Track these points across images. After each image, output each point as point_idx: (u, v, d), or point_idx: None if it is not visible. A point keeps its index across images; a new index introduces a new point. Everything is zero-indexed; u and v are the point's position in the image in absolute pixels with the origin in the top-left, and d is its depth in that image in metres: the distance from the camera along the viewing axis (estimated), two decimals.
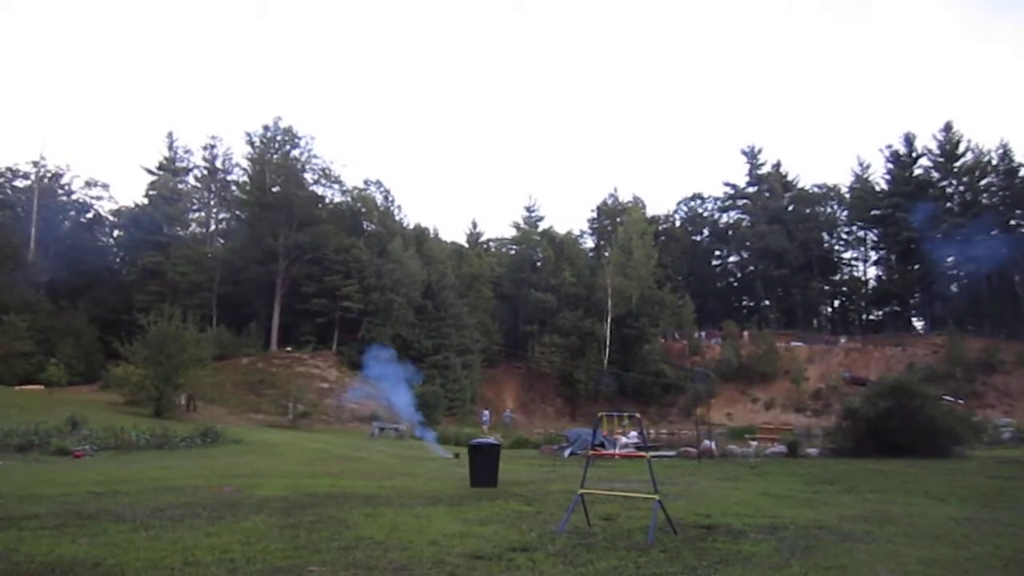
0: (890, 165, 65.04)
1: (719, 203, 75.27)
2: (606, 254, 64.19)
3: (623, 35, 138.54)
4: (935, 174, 62.21)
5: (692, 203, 77.06)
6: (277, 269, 49.47)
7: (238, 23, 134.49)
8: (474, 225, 73.65)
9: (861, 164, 68.66)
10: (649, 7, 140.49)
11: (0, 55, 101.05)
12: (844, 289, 70.97)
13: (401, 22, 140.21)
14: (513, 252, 67.64)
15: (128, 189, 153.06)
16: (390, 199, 60.80)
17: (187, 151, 58.86)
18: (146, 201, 54.48)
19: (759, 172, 71.08)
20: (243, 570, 5.00)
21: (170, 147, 57.75)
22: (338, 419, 38.17)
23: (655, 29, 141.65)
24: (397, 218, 60.69)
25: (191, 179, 60.35)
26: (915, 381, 22.98)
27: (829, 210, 71.46)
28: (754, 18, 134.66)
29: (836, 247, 71.36)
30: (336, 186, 56.53)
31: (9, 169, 53.70)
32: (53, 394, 29.66)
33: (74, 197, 57.45)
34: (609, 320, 54.66)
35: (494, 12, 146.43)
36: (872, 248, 69.68)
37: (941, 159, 61.53)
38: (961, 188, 60.47)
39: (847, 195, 69.36)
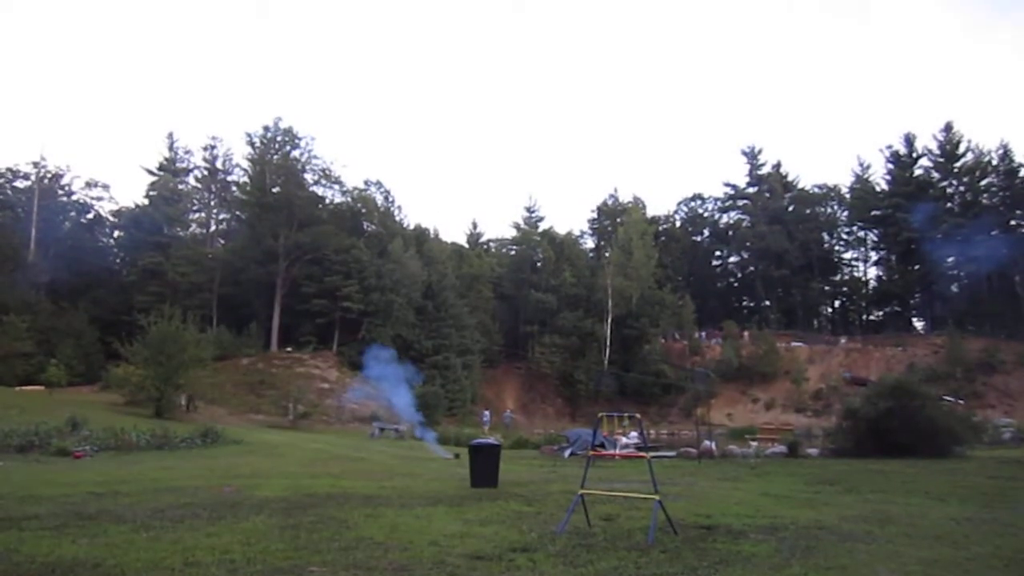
0: (890, 165, 65.08)
1: (719, 203, 75.32)
2: (606, 254, 64.18)
3: (623, 35, 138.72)
4: (935, 174, 62.22)
5: (692, 203, 77.12)
6: (277, 269, 49.48)
7: (238, 24, 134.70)
8: (474, 225, 73.74)
9: (861, 164, 68.81)
10: (649, 7, 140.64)
11: (0, 56, 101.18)
12: (844, 289, 70.97)
13: (401, 23, 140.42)
14: (513, 252, 67.65)
15: (128, 190, 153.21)
16: (390, 199, 60.89)
17: (187, 152, 59.01)
18: (146, 202, 54.53)
19: (759, 172, 71.09)
20: (243, 570, 5.00)
21: (170, 148, 57.84)
22: (338, 419, 38.19)
23: (655, 29, 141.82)
24: (397, 218, 60.70)
25: (191, 180, 60.48)
26: (915, 381, 22.97)
27: (829, 210, 71.45)
28: (754, 18, 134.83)
29: (836, 247, 71.37)
30: (336, 186, 56.65)
31: (9, 170, 53.87)
32: (53, 395, 29.67)
33: (74, 198, 57.54)
34: (609, 320, 54.66)
35: (494, 12, 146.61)
36: (872, 248, 69.73)
37: (941, 159, 61.54)
38: (961, 188, 60.47)
39: (847, 195, 69.37)
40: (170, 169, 56.97)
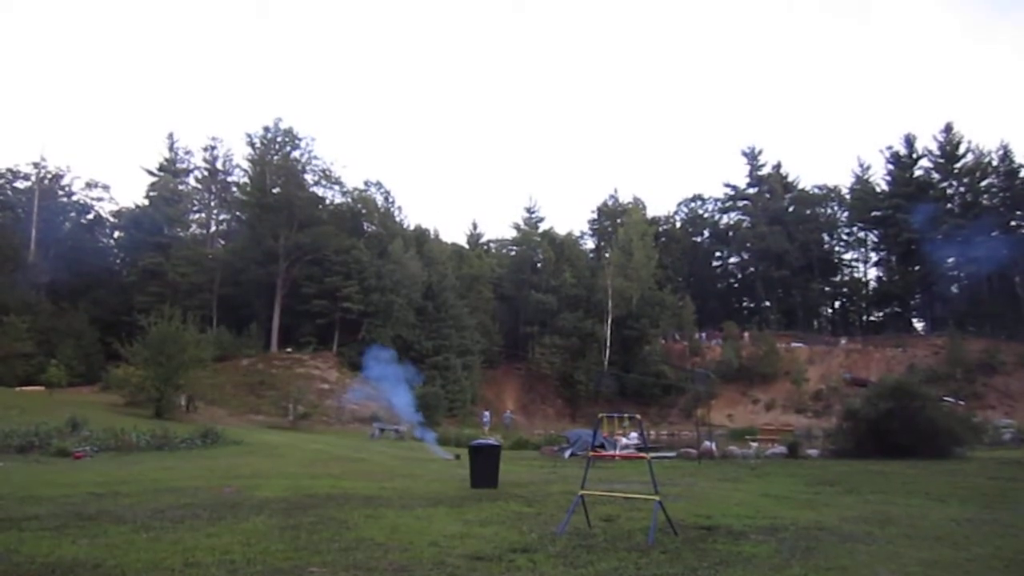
0: (890, 166, 65.10)
1: (719, 204, 75.29)
2: (606, 255, 64.17)
3: (623, 36, 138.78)
4: (935, 175, 62.22)
5: (692, 204, 77.09)
6: (277, 270, 49.49)
7: (238, 24, 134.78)
8: (474, 226, 73.72)
9: (861, 165, 68.83)
10: (649, 8, 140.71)
11: (1, 56, 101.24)
12: (844, 290, 70.95)
13: (401, 23, 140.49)
14: (513, 253, 67.65)
15: (129, 190, 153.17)
16: (390, 200, 60.87)
17: (188, 152, 59.01)
18: (146, 202, 54.55)
19: (759, 173, 71.08)
20: (243, 571, 5.00)
21: (171, 148, 57.85)
22: (338, 420, 38.19)
23: (655, 30, 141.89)
24: (397, 219, 60.69)
25: (192, 180, 60.49)
26: (916, 382, 22.95)
27: (829, 211, 71.45)
28: (754, 19, 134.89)
29: (836, 248, 71.36)
30: (336, 187, 56.62)
31: (10, 170, 53.91)
32: (53, 395, 29.67)
33: (75, 198, 57.54)
34: (609, 321, 54.66)
35: (494, 12, 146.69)
36: (872, 249, 69.73)
37: (941, 160, 61.55)
38: (962, 189, 60.46)
39: (847, 196, 69.36)
40: (170, 170, 56.98)
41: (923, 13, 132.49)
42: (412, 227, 62.42)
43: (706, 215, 76.89)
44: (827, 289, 69.24)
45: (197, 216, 62.12)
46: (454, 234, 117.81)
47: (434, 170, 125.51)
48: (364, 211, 57.32)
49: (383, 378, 29.55)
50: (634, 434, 21.12)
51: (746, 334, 58.04)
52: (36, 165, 53.23)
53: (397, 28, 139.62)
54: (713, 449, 20.34)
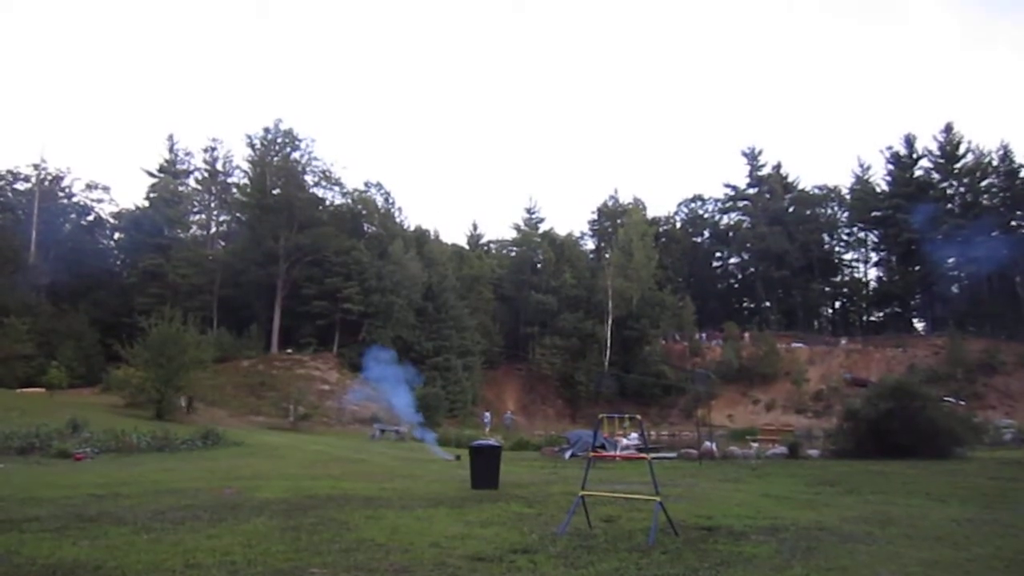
0: (891, 166, 65.12)
1: (719, 204, 75.30)
2: (607, 256, 64.19)
3: (623, 36, 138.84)
4: (936, 175, 62.24)
5: (692, 204, 77.09)
6: (278, 271, 49.50)
7: (238, 25, 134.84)
8: (475, 227, 73.78)
9: (862, 165, 68.88)
10: (649, 8, 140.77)
11: (1, 57, 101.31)
12: (845, 290, 70.95)
13: (401, 24, 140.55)
14: (514, 254, 67.66)
15: (129, 192, 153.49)
16: (391, 201, 60.89)
17: (188, 153, 59.15)
18: (147, 204, 54.61)
19: (759, 173, 71.06)
20: (244, 572, 5.00)
21: (171, 150, 57.98)
22: (339, 421, 38.20)
23: (655, 30, 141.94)
24: (398, 220, 60.71)
25: (192, 181, 60.56)
26: (916, 382, 22.95)
27: (830, 211, 71.43)
28: (754, 19, 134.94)
29: (837, 248, 71.35)
30: (336, 188, 56.64)
31: (10, 172, 53.93)
32: (54, 397, 29.68)
33: (75, 200, 57.57)
34: (610, 322, 54.66)
35: (494, 13, 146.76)
36: (873, 249, 69.74)
37: (942, 160, 61.56)
38: (962, 189, 60.49)
39: (848, 196, 69.37)
40: (170, 171, 57.05)
41: (923, 13, 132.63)
42: (412, 228, 62.52)
43: (706, 215, 76.91)
44: (827, 289, 69.23)
45: (197, 217, 62.17)
46: (454, 235, 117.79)
47: (434, 171, 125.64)
48: (364, 212, 57.35)
49: (383, 379, 29.56)
50: (634, 435, 21.12)
51: (746, 334, 58.03)
52: (36, 167, 53.35)
53: (397, 29, 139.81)
54: (714, 449, 20.33)
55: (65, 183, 56.22)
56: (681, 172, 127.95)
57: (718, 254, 76.80)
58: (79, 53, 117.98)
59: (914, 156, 63.78)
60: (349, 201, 57.27)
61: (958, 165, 60.45)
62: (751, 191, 71.50)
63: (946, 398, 29.07)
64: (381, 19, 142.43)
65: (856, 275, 70.98)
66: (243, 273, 50.68)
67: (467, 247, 69.49)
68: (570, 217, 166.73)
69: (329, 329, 49.78)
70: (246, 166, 55.49)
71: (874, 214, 64.50)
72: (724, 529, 7.08)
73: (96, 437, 17.60)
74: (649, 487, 7.06)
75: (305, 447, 21.63)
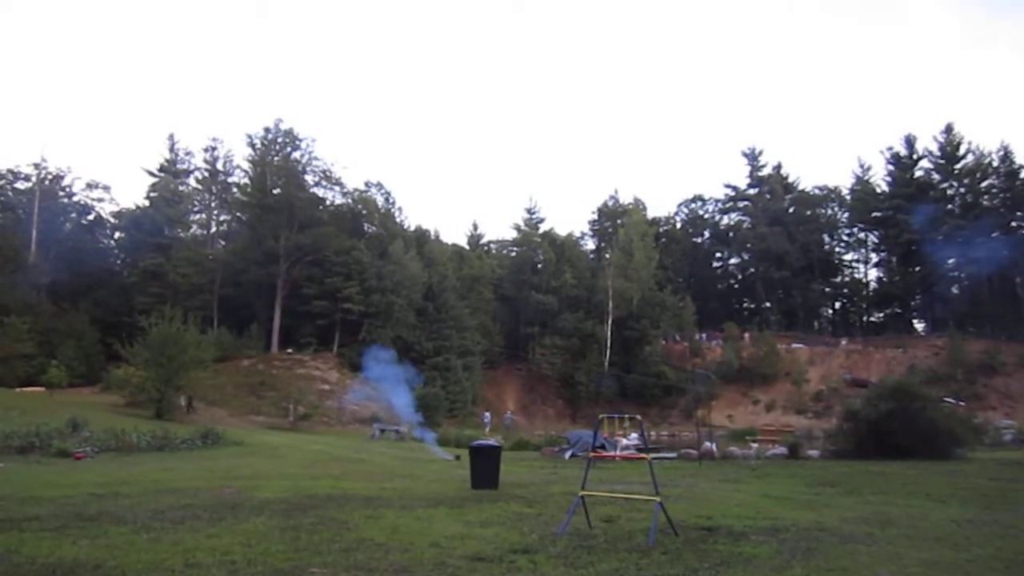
0: (891, 167, 65.10)
1: (720, 205, 75.31)
2: (607, 256, 64.20)
3: (624, 36, 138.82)
4: (936, 176, 62.22)
5: (693, 205, 77.09)
6: (278, 271, 49.51)
7: (238, 24, 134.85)
8: (475, 227, 73.80)
9: (862, 166, 68.83)
10: (649, 8, 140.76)
11: (1, 57, 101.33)
12: (845, 291, 70.96)
13: (401, 24, 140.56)
14: (514, 254, 67.68)
15: (129, 191, 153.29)
16: (391, 201, 60.86)
17: (188, 153, 59.09)
18: (147, 203, 54.62)
19: (760, 174, 71.05)
20: (244, 572, 5.00)
21: (171, 149, 57.92)
22: (339, 421, 38.20)
23: (655, 30, 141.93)
24: (398, 220, 60.71)
25: (192, 181, 60.54)
26: (916, 383, 22.90)
27: (830, 212, 71.44)
28: (754, 19, 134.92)
29: (837, 249, 71.36)
30: (337, 188, 56.71)
31: (10, 171, 54.01)
32: (54, 396, 29.69)
33: (75, 199, 57.66)
34: (610, 322, 54.66)
35: (494, 12, 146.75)
36: (873, 250, 69.73)
37: (942, 161, 61.54)
38: (962, 190, 60.45)
39: (848, 197, 69.36)
40: (171, 170, 57.03)
41: (923, 13, 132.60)
42: (413, 228, 62.54)
43: (706, 216, 76.91)
44: (827, 290, 69.25)
45: (198, 217, 62.19)
46: (454, 235, 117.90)
47: (435, 171, 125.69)
48: (364, 212, 57.37)
49: (383, 379, 29.56)
50: (635, 435, 21.08)
51: (746, 335, 58.05)
52: (37, 166, 53.44)
53: (397, 29, 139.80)
54: (714, 450, 20.31)
55: (65, 182, 56.43)
56: (681, 172, 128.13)
57: (718, 254, 76.79)
58: (79, 53, 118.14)
59: (914, 157, 63.79)
60: (349, 201, 57.32)
61: (958, 166, 60.43)
62: (751, 191, 71.49)
63: (946, 399, 29.04)
64: (381, 19, 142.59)
65: (856, 276, 71.03)
66: (243, 273, 50.69)
67: (467, 247, 69.49)
68: (570, 217, 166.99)
69: (329, 329, 49.79)
70: (246, 166, 55.63)
71: (874, 215, 64.49)
72: (724, 529, 7.07)
73: (96, 436, 17.60)
74: (649, 487, 7.06)
75: (305, 447, 21.62)
